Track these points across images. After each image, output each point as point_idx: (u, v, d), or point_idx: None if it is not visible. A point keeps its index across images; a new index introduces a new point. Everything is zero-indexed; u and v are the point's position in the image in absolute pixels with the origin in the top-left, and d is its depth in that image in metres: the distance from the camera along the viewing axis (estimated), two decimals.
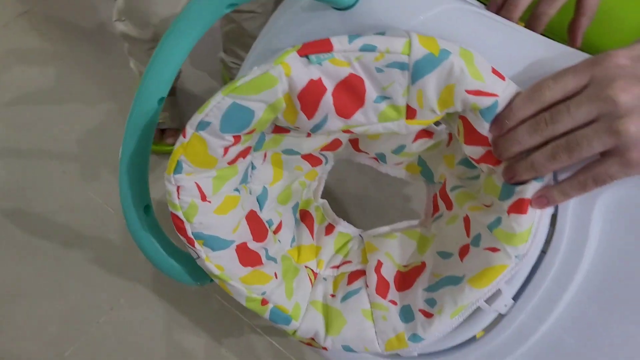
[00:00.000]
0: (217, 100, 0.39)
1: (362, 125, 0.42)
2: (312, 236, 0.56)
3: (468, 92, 0.39)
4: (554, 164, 0.40)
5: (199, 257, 0.45)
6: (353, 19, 0.43)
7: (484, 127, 0.42)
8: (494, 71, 0.40)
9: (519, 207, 0.43)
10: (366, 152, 0.60)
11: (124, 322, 1.09)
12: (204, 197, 0.43)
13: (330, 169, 0.62)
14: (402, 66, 0.39)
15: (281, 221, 0.53)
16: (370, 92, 0.40)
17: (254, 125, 0.40)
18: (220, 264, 0.45)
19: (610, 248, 0.44)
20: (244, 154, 0.45)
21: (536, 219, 0.43)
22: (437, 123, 0.56)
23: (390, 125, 0.43)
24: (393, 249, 0.53)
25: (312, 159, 0.57)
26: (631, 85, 0.36)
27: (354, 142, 0.60)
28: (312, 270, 0.54)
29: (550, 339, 0.46)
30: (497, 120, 0.41)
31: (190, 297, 1.10)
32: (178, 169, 0.41)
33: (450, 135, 0.57)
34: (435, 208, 0.57)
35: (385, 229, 0.56)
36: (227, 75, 1.30)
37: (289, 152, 0.52)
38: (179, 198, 0.42)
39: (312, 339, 0.50)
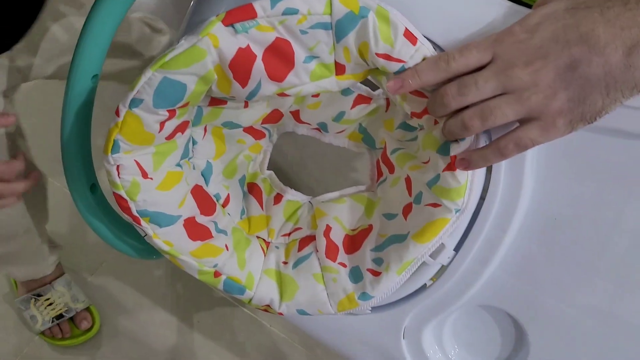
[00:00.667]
0: (147, 77, 0.39)
1: (296, 86, 0.43)
2: (262, 207, 0.57)
3: (377, 55, 0.41)
4: (467, 132, 0.42)
5: (146, 234, 0.45)
6: None
7: None
8: (407, 33, 0.41)
9: (451, 165, 0.44)
10: (308, 123, 0.61)
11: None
12: (145, 175, 0.43)
13: (275, 143, 0.62)
14: (325, 26, 0.40)
15: (229, 194, 0.54)
16: (299, 54, 0.41)
17: (188, 98, 0.41)
18: (169, 239, 0.46)
19: (545, 189, 0.46)
20: (181, 128, 0.45)
21: (470, 173, 0.45)
22: (374, 88, 0.58)
23: (322, 83, 0.44)
24: (341, 214, 0.55)
25: (255, 132, 0.57)
26: (531, 62, 0.38)
27: (295, 114, 0.60)
28: (264, 240, 0.55)
29: (496, 282, 0.49)
30: (400, 77, 0.42)
31: (159, 273, 1.10)
32: (115, 148, 0.41)
33: (388, 101, 0.58)
34: (379, 173, 0.58)
35: (333, 194, 0.57)
36: None
37: (230, 125, 0.53)
38: (119, 177, 0.42)
39: (268, 305, 0.51)
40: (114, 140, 0.41)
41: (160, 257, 0.53)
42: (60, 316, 1.00)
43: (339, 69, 0.44)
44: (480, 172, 0.46)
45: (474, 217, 0.47)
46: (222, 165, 0.54)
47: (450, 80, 0.42)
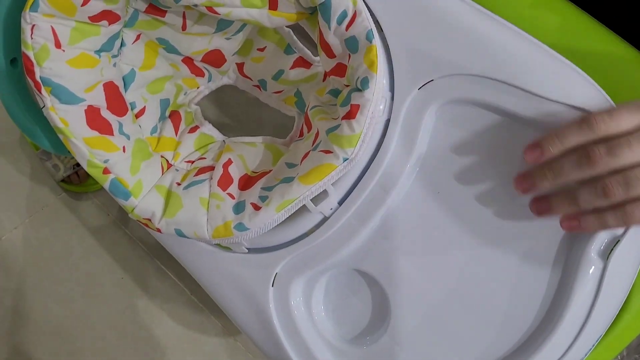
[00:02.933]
0: None
1: (225, 6, 0.45)
2: (176, 133, 0.58)
3: None
4: (605, 201, 0.39)
5: (44, 105, 0.46)
6: None
7: (327, 31, 0.46)
8: None
9: (350, 114, 0.46)
10: (250, 78, 0.63)
11: (26, 242, 1.08)
12: (58, 44, 0.45)
13: (214, 89, 0.64)
14: None
15: (145, 107, 0.55)
16: None
17: None
18: (66, 118, 0.47)
19: (434, 161, 0.47)
20: (109, 18, 0.47)
21: (365, 126, 0.46)
22: (316, 55, 0.60)
23: (254, 12, 0.46)
24: (248, 155, 0.56)
25: (193, 67, 0.59)
26: None
27: (240, 66, 0.63)
28: (167, 160, 0.55)
29: (371, 246, 0.49)
30: (538, 145, 0.41)
31: (97, 224, 1.10)
32: (34, 6, 0.43)
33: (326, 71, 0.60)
34: (301, 134, 0.59)
35: (248, 138, 0.58)
36: None
37: (167, 45, 0.54)
38: (32, 37, 0.44)
39: (149, 220, 0.51)
40: None
41: (66, 154, 0.53)
42: (78, 164, 1.04)
43: (273, 1, 0.46)
44: (377, 130, 0.47)
45: (362, 175, 0.48)
46: (147, 79, 0.55)
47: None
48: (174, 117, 0.59)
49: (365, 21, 0.45)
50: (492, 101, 0.45)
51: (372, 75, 0.45)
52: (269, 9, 0.47)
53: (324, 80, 0.60)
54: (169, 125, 0.58)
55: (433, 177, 0.48)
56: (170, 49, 0.55)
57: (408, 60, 0.47)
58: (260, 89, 0.64)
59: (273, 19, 0.48)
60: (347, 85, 0.49)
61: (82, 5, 0.44)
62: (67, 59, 0.46)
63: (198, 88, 0.62)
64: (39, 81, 0.45)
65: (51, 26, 0.44)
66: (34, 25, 0.44)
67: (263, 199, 0.49)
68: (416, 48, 0.46)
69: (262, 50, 0.61)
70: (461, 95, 0.45)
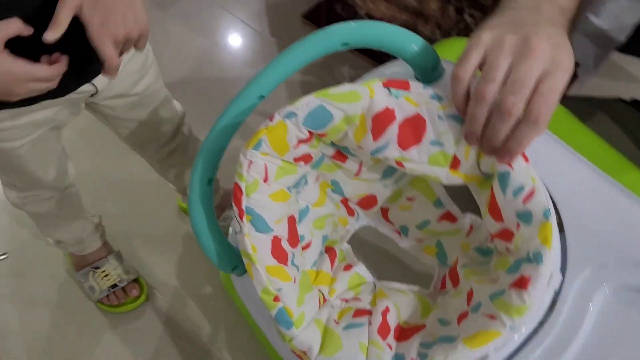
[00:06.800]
0: (309, 100, 0.47)
1: (414, 162, 0.50)
2: (331, 268, 0.61)
3: None
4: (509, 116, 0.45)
5: (241, 231, 0.50)
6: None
7: (502, 198, 0.49)
8: (522, 154, 0.48)
9: (521, 283, 0.47)
10: (392, 223, 0.67)
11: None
12: (266, 179, 0.50)
13: (358, 228, 0.68)
14: (458, 119, 0.48)
15: (311, 241, 0.58)
16: (429, 134, 0.49)
17: (329, 128, 0.48)
18: (256, 245, 0.50)
19: (600, 339, 0.48)
20: (306, 159, 0.52)
21: (537, 299, 0.48)
22: (463, 211, 0.64)
23: (436, 170, 0.51)
24: (401, 303, 0.57)
25: (348, 208, 0.63)
26: None
27: (384, 211, 0.66)
28: (323, 295, 0.58)
29: None
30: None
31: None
32: (257, 145, 0.48)
33: (471, 227, 0.64)
34: (443, 286, 0.62)
35: (399, 285, 0.60)
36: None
37: (336, 185, 0.59)
38: (248, 171, 0.49)
39: (305, 353, 0.52)
40: (259, 138, 0.48)
41: (229, 272, 0.56)
42: (114, 285, 1.16)
43: (455, 163, 0.51)
44: (547, 298, 0.49)
45: (525, 343, 0.49)
46: (316, 215, 0.60)
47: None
48: (330, 253, 0.62)
49: (543, 200, 0.48)
50: None
51: (545, 251, 0.47)
52: (450, 168, 0.51)
53: (467, 236, 0.64)
54: (326, 260, 0.61)
55: (597, 357, 0.48)
56: (338, 190, 0.60)
57: (582, 240, 0.49)
58: (400, 234, 0.67)
59: (451, 178, 0.52)
60: (509, 250, 0.52)
61: (295, 147, 0.49)
62: (270, 192, 0.50)
63: (346, 227, 0.66)
64: (244, 210, 0.49)
65: (265, 163, 0.49)
66: (251, 162, 0.49)
67: (423, 356, 0.50)
68: (592, 231, 0.49)
69: (410, 199, 0.65)
70: (636, 282, 0.48)
